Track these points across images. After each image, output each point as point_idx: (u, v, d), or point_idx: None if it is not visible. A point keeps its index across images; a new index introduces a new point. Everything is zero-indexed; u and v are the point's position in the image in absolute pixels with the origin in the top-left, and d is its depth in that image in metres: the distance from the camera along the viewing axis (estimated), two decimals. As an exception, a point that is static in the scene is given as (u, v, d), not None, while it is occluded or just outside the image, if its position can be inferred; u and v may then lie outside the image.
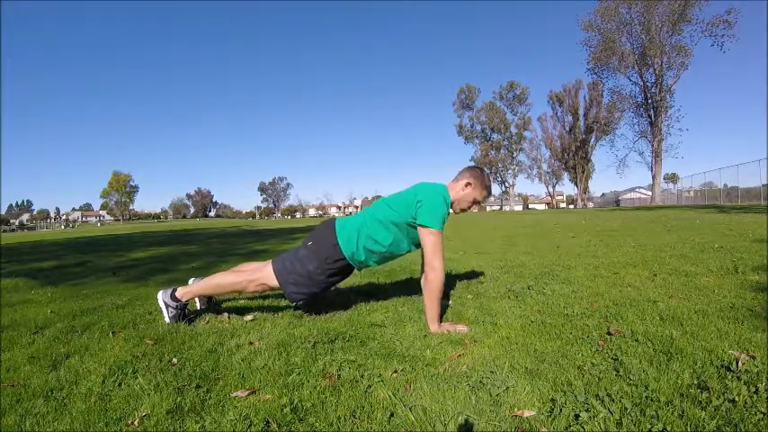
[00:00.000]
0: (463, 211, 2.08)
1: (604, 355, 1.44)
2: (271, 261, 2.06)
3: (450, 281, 2.88)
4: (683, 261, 3.22)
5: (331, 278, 2.02)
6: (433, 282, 1.83)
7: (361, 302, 2.29)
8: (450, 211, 2.04)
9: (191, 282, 2.32)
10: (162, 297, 2.07)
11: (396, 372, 1.39)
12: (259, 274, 2.01)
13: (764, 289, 2.21)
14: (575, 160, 49.78)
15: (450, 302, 2.26)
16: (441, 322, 1.85)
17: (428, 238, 1.88)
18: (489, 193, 2.09)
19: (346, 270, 2.07)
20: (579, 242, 5.06)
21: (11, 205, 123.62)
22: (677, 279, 2.60)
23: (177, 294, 2.07)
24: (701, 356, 1.37)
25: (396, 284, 2.85)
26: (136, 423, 1.14)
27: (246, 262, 2.42)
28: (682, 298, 2.14)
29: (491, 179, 2.15)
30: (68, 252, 6.96)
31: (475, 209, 2.11)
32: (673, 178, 50.09)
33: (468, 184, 2.03)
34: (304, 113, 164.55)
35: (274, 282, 1.98)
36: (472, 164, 2.46)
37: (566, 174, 53.12)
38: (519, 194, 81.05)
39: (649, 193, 34.92)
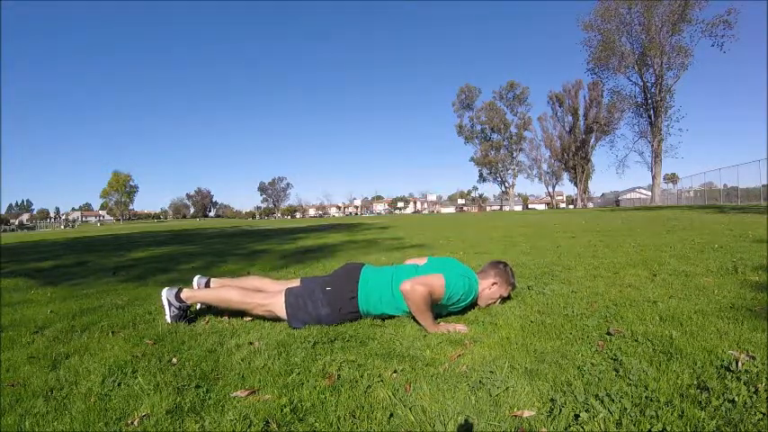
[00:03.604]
0: (487, 306, 2.14)
1: (604, 355, 1.44)
2: (284, 291, 2.01)
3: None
4: (682, 261, 3.22)
5: (339, 322, 1.98)
6: (408, 294, 1.83)
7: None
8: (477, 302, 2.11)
9: (195, 281, 2.31)
10: (166, 295, 2.06)
11: (396, 372, 1.39)
12: (270, 301, 1.99)
13: (764, 289, 2.21)
14: (575, 160, 49.79)
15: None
16: (437, 323, 1.85)
17: (435, 277, 1.89)
18: (514, 288, 2.21)
19: (357, 319, 2.03)
20: (579, 242, 5.05)
21: (11, 205, 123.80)
22: (677, 279, 2.60)
23: (182, 296, 2.06)
24: (700, 356, 1.37)
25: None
26: (135, 423, 1.14)
27: (259, 276, 2.40)
28: (682, 298, 2.14)
29: (514, 274, 2.23)
30: (68, 252, 6.96)
31: (497, 297, 2.16)
32: (673, 178, 50.16)
33: (494, 284, 2.11)
34: (304, 113, 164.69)
35: (283, 314, 1.96)
36: (496, 259, 2.44)
37: (566, 174, 53.17)
38: (519, 194, 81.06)
39: (649, 193, 34.94)
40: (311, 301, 1.96)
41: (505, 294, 2.16)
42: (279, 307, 1.97)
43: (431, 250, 4.95)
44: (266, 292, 2.07)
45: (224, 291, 2.10)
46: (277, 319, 2.01)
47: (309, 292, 1.99)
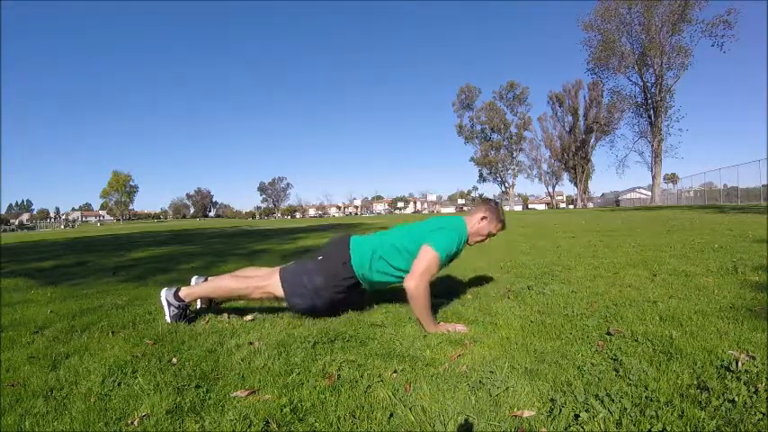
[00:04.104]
0: (477, 243, 2.12)
1: (604, 355, 1.44)
2: (278, 270, 2.04)
3: (451, 281, 2.88)
4: (682, 261, 3.22)
5: (337, 295, 2.00)
6: (414, 296, 1.82)
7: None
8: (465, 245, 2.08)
9: (193, 281, 2.31)
10: (165, 295, 2.06)
11: (396, 372, 1.39)
12: (266, 282, 2.01)
13: (764, 289, 2.21)
14: (575, 160, 49.78)
15: (448, 302, 2.26)
16: (437, 322, 1.85)
17: (425, 255, 1.88)
18: (504, 227, 2.15)
19: (354, 289, 2.05)
20: (579, 242, 5.05)
21: (11, 205, 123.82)
22: (677, 279, 2.60)
23: (181, 294, 2.06)
24: (700, 357, 1.37)
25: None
26: (135, 423, 1.14)
27: (252, 266, 2.41)
28: (682, 298, 2.14)
29: (505, 212, 2.18)
30: (68, 252, 6.96)
31: (489, 240, 2.16)
32: (672, 178, 50.14)
33: (483, 218, 2.07)
34: (304, 113, 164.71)
35: (280, 291, 1.98)
36: (487, 197, 2.52)
37: (566, 174, 53.15)
38: (519, 194, 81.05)
39: (649, 193, 34.93)
40: (306, 274, 1.98)
41: (494, 231, 2.11)
42: (276, 286, 1.98)
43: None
44: (262, 276, 2.09)
45: (219, 280, 2.12)
46: (277, 301, 2.04)
47: (302, 265, 2.03)
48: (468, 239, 2.07)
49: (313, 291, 1.94)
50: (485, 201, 2.17)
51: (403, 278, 1.97)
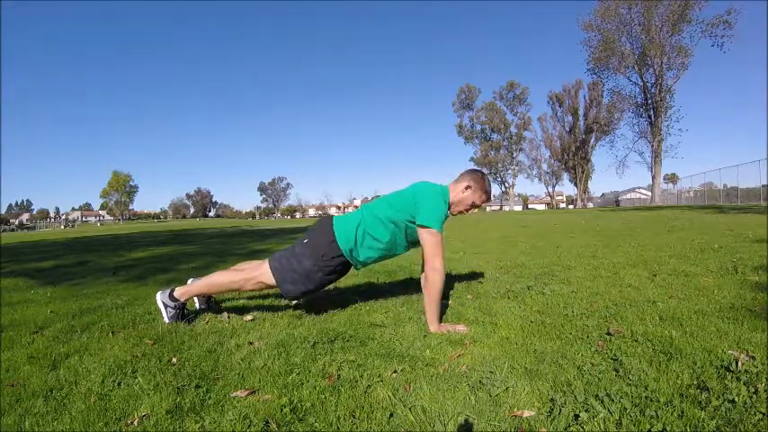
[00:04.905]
0: (460, 213, 2.07)
1: (604, 355, 1.44)
2: (268, 259, 2.06)
3: (450, 281, 2.88)
4: (682, 261, 3.22)
5: (328, 276, 2.01)
6: (433, 282, 1.83)
7: (360, 302, 2.29)
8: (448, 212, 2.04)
9: (189, 282, 2.32)
10: (160, 297, 2.07)
11: (395, 372, 1.39)
12: (256, 272, 2.01)
13: (764, 289, 2.21)
14: (574, 160, 49.77)
15: (449, 302, 2.26)
16: (440, 322, 1.85)
17: (428, 238, 1.88)
18: (488, 198, 2.09)
19: (343, 268, 2.06)
20: (579, 242, 5.06)
21: (11, 205, 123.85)
22: (677, 279, 2.60)
23: (176, 294, 2.07)
24: (700, 357, 1.37)
25: (395, 284, 2.85)
26: (135, 423, 1.14)
27: (245, 261, 2.42)
28: (681, 298, 2.14)
29: (491, 184, 2.13)
30: (68, 252, 6.96)
31: (473, 211, 2.10)
32: (672, 178, 50.13)
33: (468, 187, 2.02)
34: (304, 113, 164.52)
35: (271, 280, 1.98)
36: (474, 167, 2.43)
37: (566, 174, 53.14)
38: (519, 194, 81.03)
39: (649, 193, 34.94)
40: (294, 258, 1.98)
41: (479, 202, 2.05)
42: (267, 275, 1.99)
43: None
44: (252, 267, 2.10)
45: (212, 275, 2.13)
46: (270, 289, 2.07)
47: (290, 250, 2.04)
48: (449, 206, 2.01)
49: (304, 275, 1.95)
50: (471, 170, 2.10)
51: (389, 251, 2.02)
